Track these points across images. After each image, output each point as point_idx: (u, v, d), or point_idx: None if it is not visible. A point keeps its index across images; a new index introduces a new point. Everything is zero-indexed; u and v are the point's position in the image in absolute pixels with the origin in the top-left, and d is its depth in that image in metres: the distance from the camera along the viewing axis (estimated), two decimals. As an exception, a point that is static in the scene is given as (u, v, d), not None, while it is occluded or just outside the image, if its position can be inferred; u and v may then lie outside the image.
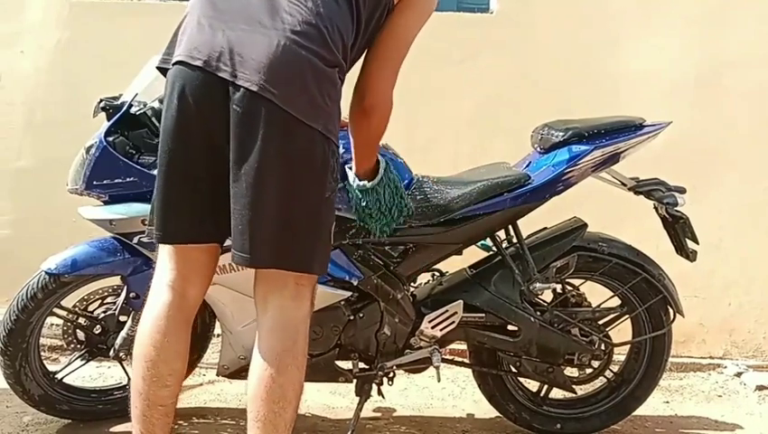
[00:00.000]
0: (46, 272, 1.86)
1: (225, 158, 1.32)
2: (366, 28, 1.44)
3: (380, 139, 1.61)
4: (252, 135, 1.28)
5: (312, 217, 1.37)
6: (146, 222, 1.46)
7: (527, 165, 1.97)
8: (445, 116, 2.82)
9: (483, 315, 1.92)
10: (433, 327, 1.88)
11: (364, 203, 1.70)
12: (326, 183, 1.38)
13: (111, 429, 2.00)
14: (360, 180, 1.69)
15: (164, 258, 1.44)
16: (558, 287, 2.00)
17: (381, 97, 1.51)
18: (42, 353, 2.03)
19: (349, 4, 1.39)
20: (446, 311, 1.88)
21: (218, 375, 1.95)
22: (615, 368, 2.11)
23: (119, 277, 1.90)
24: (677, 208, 1.91)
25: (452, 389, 2.50)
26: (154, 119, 1.79)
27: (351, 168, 1.70)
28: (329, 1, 1.35)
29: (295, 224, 1.34)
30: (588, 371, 2.06)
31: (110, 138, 1.79)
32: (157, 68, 1.44)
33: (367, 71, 1.50)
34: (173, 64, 1.34)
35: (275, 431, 1.34)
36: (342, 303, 1.85)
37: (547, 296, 2.01)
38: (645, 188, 1.93)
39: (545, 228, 2.04)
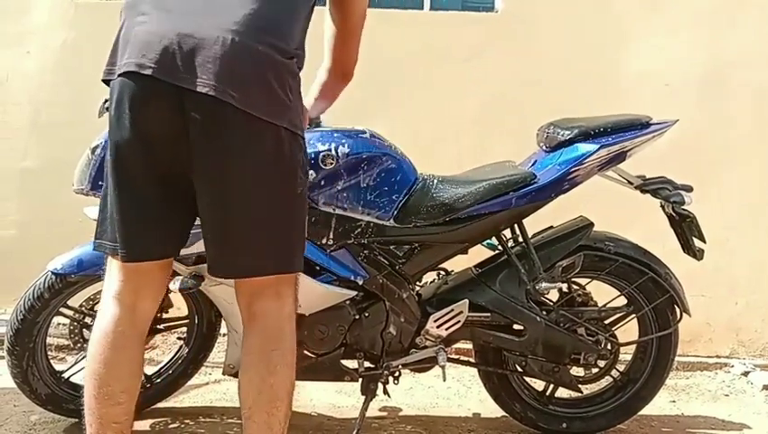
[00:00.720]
0: (52, 272, 1.87)
1: (185, 169, 1.27)
2: (311, 6, 1.41)
3: None
4: (215, 142, 1.24)
5: (286, 216, 1.35)
6: (96, 235, 1.38)
7: (532, 164, 1.97)
8: (450, 114, 2.82)
9: (489, 314, 1.92)
10: (438, 327, 1.88)
11: None
12: (297, 179, 1.35)
13: (117, 429, 2.00)
14: None
15: (113, 269, 1.38)
16: (564, 287, 2.00)
17: (355, 64, 1.70)
18: (49, 353, 2.03)
19: None
20: (452, 310, 1.87)
21: (224, 374, 1.95)
22: (621, 367, 2.11)
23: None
24: (683, 206, 1.90)
25: (457, 388, 2.50)
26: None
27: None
28: None
29: (270, 227, 1.32)
30: (594, 370, 2.05)
31: (116, 138, 1.79)
32: (103, 81, 1.35)
33: (343, 51, 1.66)
34: (120, 75, 1.26)
35: (269, 431, 1.34)
36: (348, 302, 1.84)
37: (553, 295, 2.00)
38: (652, 186, 1.92)
39: (551, 227, 2.03)
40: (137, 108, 1.24)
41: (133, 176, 1.29)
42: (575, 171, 1.85)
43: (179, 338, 2.18)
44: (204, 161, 1.25)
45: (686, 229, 1.93)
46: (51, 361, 2.02)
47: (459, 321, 1.88)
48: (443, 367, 1.90)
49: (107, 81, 1.34)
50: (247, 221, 1.29)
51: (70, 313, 1.96)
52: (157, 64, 1.21)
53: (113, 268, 1.38)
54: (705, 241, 1.94)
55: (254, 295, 1.38)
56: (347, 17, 1.62)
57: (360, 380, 1.91)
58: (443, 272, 2.03)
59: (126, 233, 1.32)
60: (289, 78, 1.30)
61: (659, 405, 2.32)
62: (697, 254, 1.94)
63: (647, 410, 2.12)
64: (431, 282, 2.04)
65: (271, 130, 1.27)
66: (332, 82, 1.73)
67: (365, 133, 1.81)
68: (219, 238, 1.31)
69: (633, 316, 2.03)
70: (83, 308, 1.96)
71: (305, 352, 1.87)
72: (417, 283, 1.98)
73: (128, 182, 1.30)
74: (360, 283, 1.83)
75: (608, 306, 2.01)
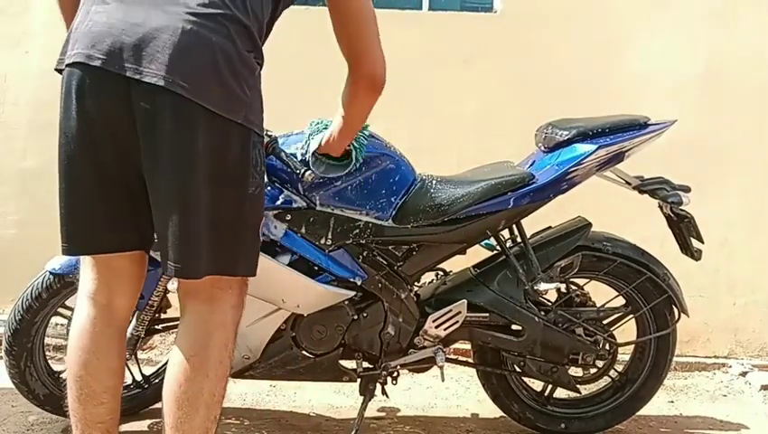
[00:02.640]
0: (50, 272, 1.87)
1: (138, 161, 1.23)
2: (278, 3, 1.35)
3: None
4: (163, 133, 1.18)
5: (235, 216, 1.27)
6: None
7: (531, 164, 1.97)
8: (449, 115, 2.82)
9: (487, 314, 1.92)
10: (437, 327, 1.88)
11: (320, 171, 1.67)
12: (249, 177, 1.27)
13: (116, 429, 2.00)
14: (330, 159, 1.65)
15: (86, 267, 1.36)
16: (563, 287, 2.00)
17: (383, 64, 1.41)
18: (47, 353, 2.03)
19: None
20: (450, 310, 1.87)
21: (222, 375, 1.94)
22: (620, 368, 2.11)
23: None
24: (681, 207, 1.90)
25: (456, 388, 2.50)
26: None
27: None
28: None
29: (217, 226, 1.25)
30: (592, 370, 2.06)
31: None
32: (56, 70, 1.32)
33: (359, 51, 1.39)
34: (69, 65, 1.24)
35: None
36: (346, 302, 1.84)
37: (552, 295, 2.00)
38: (650, 187, 1.93)
39: (549, 227, 2.03)
40: (85, 99, 1.22)
41: (79, 168, 1.26)
42: (573, 171, 1.85)
43: (177, 338, 2.18)
44: (153, 155, 1.20)
45: (684, 229, 1.93)
46: (50, 361, 2.02)
47: (457, 321, 1.88)
48: (441, 367, 1.90)
49: (59, 71, 1.30)
50: (195, 220, 1.22)
51: (68, 313, 1.95)
52: (106, 55, 1.18)
53: (86, 267, 1.36)
54: (702, 242, 1.94)
55: (187, 294, 1.32)
56: None
57: (359, 380, 1.91)
58: (441, 272, 2.03)
59: (69, 226, 1.30)
60: (245, 72, 1.24)
61: (657, 405, 2.32)
62: (695, 254, 1.95)
63: (645, 411, 2.12)
64: (429, 282, 2.05)
65: (223, 124, 1.21)
66: (350, 89, 1.47)
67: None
68: (173, 237, 1.23)
69: (632, 316, 2.03)
70: (81, 308, 1.96)
71: (304, 352, 1.87)
72: (416, 283, 1.98)
73: (75, 174, 1.27)
74: (359, 283, 1.82)
75: (606, 306, 2.02)
